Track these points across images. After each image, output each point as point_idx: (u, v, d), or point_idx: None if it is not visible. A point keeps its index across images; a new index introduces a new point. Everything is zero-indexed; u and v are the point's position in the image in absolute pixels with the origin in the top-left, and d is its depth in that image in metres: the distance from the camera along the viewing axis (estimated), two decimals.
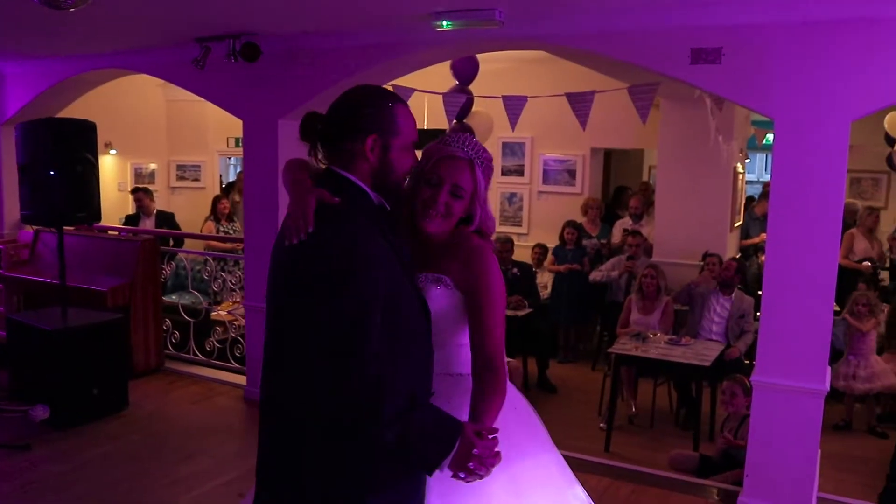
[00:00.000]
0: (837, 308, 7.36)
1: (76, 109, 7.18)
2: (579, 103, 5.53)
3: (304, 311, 1.88)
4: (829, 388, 4.24)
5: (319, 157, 2.06)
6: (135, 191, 9.02)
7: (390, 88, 5.79)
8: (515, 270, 7.62)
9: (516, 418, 2.31)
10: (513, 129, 5.98)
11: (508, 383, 2.29)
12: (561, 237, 8.37)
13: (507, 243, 7.73)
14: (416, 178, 2.15)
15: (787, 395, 4.22)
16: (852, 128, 4.00)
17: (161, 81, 9.19)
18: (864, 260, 8.01)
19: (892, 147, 8.69)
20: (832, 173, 4.03)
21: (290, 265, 1.92)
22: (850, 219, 8.24)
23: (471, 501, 2.05)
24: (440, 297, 2.13)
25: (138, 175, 10.65)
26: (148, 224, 8.68)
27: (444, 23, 4.53)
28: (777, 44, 4.07)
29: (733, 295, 6.65)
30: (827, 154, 4.02)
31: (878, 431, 6.46)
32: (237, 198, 9.33)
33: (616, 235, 8.58)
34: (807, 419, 4.21)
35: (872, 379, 6.49)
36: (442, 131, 6.04)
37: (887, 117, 8.24)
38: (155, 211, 8.93)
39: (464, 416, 2.03)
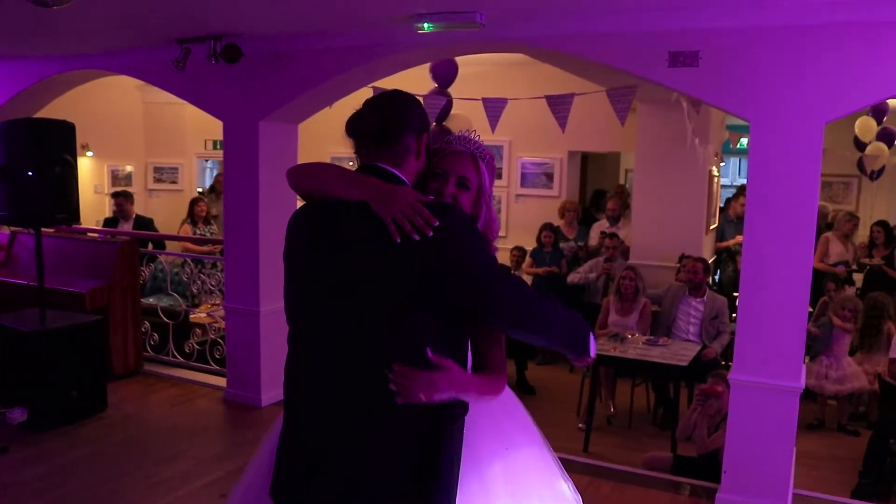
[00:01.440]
0: (811, 309, 7.50)
1: (52, 110, 7.12)
2: (559, 106, 5.59)
3: (468, 296, 1.95)
4: (804, 386, 4.32)
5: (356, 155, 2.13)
6: (115, 195, 8.94)
7: (370, 90, 5.84)
8: None
9: (505, 413, 2.35)
10: (493, 130, 6.02)
11: None
12: (538, 240, 8.44)
13: None
14: (422, 176, 2.20)
15: (763, 393, 4.29)
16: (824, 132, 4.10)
17: (139, 83, 9.17)
18: (839, 263, 8.15)
19: (863, 151, 8.86)
20: (807, 175, 4.11)
21: (418, 258, 1.90)
22: (821, 221, 8.38)
23: (472, 487, 2.09)
24: None
25: (115, 177, 10.58)
26: (127, 228, 8.61)
27: (426, 25, 4.56)
28: (754, 48, 4.14)
29: (705, 296, 6.74)
30: (801, 156, 4.10)
31: (848, 430, 6.57)
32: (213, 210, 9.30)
33: (593, 238, 8.67)
34: (783, 416, 4.28)
35: (843, 381, 6.61)
36: None
37: (857, 122, 8.41)
38: (134, 215, 8.86)
39: (481, 419, 2.15)
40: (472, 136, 2.26)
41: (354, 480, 1.96)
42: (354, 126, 2.08)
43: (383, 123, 2.05)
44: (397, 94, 2.14)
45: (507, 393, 2.33)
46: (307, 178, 2.12)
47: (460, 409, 2.02)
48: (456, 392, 1.94)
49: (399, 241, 1.88)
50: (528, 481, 2.25)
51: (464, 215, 2.04)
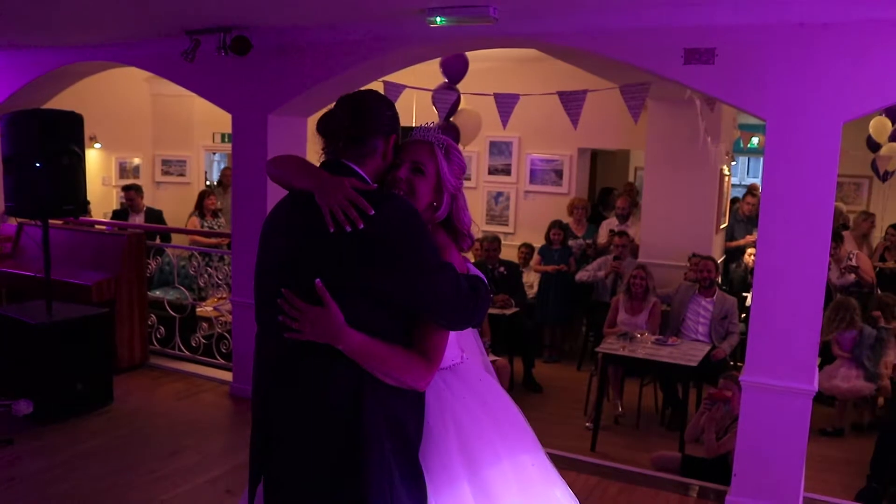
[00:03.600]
0: None
1: (60, 102, 7.09)
2: (571, 102, 5.54)
3: (400, 282, 2.02)
4: (817, 389, 4.27)
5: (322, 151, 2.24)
6: (126, 189, 8.91)
7: (381, 84, 5.80)
8: (502, 269, 7.62)
9: (506, 419, 2.32)
10: (504, 126, 5.98)
11: (492, 385, 2.40)
12: (547, 237, 8.39)
13: (494, 242, 7.74)
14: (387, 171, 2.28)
15: (775, 395, 4.25)
16: None
17: (147, 75, 9.13)
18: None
19: (875, 152, 8.77)
20: (823, 175, 4.06)
21: (357, 247, 1.99)
22: (836, 222, 8.32)
23: (474, 492, 2.09)
24: None
25: (123, 169, 10.55)
26: (138, 221, 8.59)
27: (439, 19, 4.51)
28: (771, 45, 4.09)
29: (715, 296, 6.68)
30: (818, 155, 4.04)
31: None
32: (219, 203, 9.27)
33: (602, 236, 8.61)
34: (795, 419, 4.23)
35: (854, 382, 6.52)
36: None
37: (872, 122, 8.32)
38: (145, 208, 8.85)
39: (463, 404, 2.23)
40: (430, 128, 2.32)
41: (296, 455, 2.08)
42: (326, 126, 2.19)
43: (353, 126, 2.15)
44: (369, 96, 2.22)
45: (504, 398, 2.35)
46: (277, 168, 2.28)
47: (381, 391, 2.03)
48: (333, 340, 1.98)
49: (332, 230, 1.98)
50: (528, 486, 2.24)
51: (404, 204, 2.10)
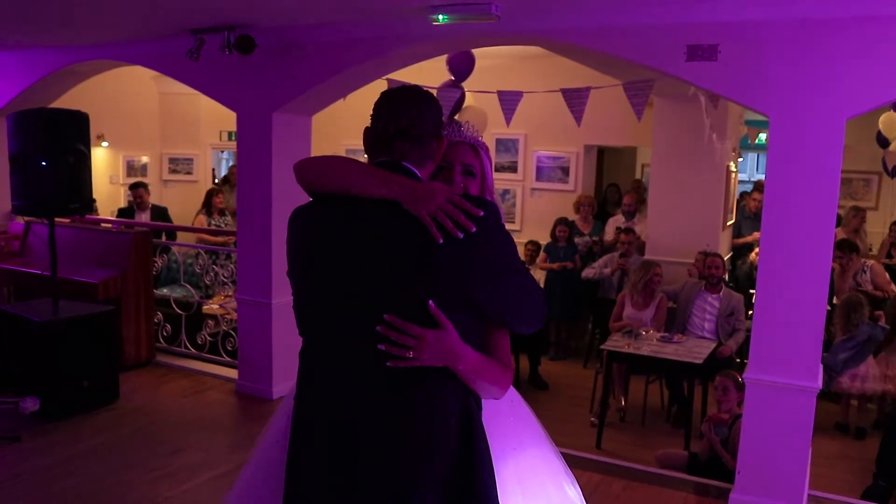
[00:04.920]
0: (829, 308, 7.40)
1: (68, 101, 7.13)
2: (575, 99, 5.53)
3: (497, 288, 1.93)
4: (821, 386, 4.25)
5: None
6: (135, 186, 8.95)
7: (385, 82, 5.80)
8: None
9: (513, 414, 2.31)
10: (508, 124, 5.98)
11: None
12: (553, 234, 8.38)
13: None
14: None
15: (779, 393, 4.23)
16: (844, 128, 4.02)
17: (154, 73, 9.16)
18: None
19: (885, 148, 8.71)
20: (827, 172, 4.04)
21: (460, 255, 1.85)
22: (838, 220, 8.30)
23: None
24: None
25: (130, 168, 10.59)
26: (144, 218, 8.63)
27: (441, 17, 4.51)
28: (774, 41, 4.07)
29: (721, 293, 6.66)
30: (821, 152, 4.02)
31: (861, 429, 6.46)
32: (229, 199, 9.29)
33: (609, 233, 8.59)
34: (799, 416, 4.21)
35: (864, 380, 6.45)
36: None
37: (882, 117, 8.26)
38: (150, 206, 8.89)
39: (489, 419, 2.07)
40: (467, 127, 2.24)
41: (395, 476, 1.87)
42: (395, 127, 1.98)
43: (421, 125, 1.98)
44: (422, 94, 2.05)
45: (514, 393, 2.30)
46: (321, 173, 2.01)
47: (477, 396, 1.96)
48: (453, 362, 1.86)
49: (441, 241, 1.81)
50: (538, 481, 2.22)
51: (495, 207, 1.96)
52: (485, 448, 1.92)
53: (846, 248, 7.33)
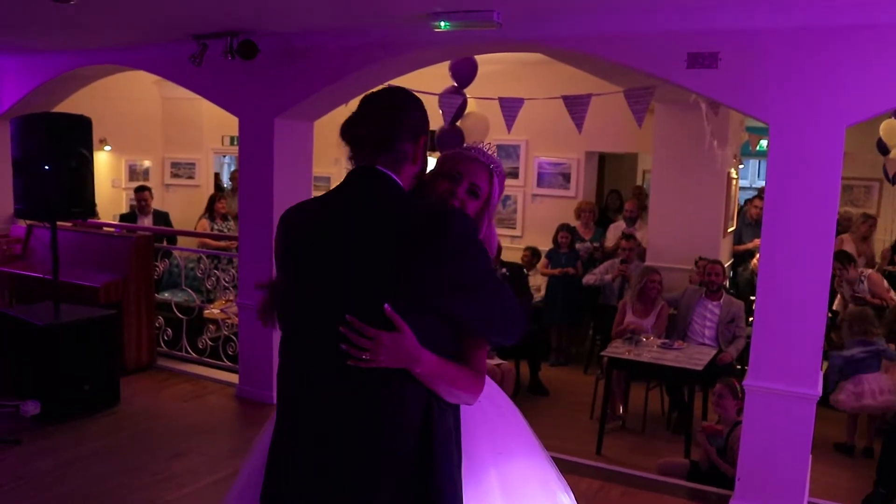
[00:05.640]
0: (829, 314, 7.38)
1: (71, 105, 7.16)
2: (575, 106, 5.54)
3: (470, 299, 1.99)
4: (820, 393, 4.25)
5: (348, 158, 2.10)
6: (139, 189, 8.96)
7: None
8: (504, 270, 7.62)
9: (502, 421, 2.32)
10: (509, 130, 5.99)
11: (496, 387, 2.37)
12: (555, 240, 8.40)
13: None
14: (433, 175, 2.21)
15: (779, 400, 4.24)
16: (845, 135, 4.03)
17: (157, 78, 9.16)
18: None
19: (886, 155, 8.71)
20: (826, 179, 4.05)
21: (427, 263, 1.93)
22: (846, 227, 8.32)
23: (468, 494, 2.06)
24: None
25: (133, 172, 10.61)
26: (146, 223, 8.65)
27: (443, 23, 4.53)
28: (774, 49, 4.08)
29: (722, 300, 6.66)
30: (821, 160, 4.04)
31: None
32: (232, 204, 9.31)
33: (610, 238, 8.61)
34: (799, 423, 4.22)
35: (860, 397, 6.32)
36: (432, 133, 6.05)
37: (882, 125, 8.26)
38: (152, 210, 8.91)
39: (476, 426, 2.15)
40: (491, 150, 2.28)
41: (352, 476, 1.94)
42: (351, 132, 2.04)
43: (381, 131, 2.01)
44: (396, 97, 2.09)
45: (504, 400, 2.32)
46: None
47: (441, 400, 1.98)
48: (411, 365, 1.89)
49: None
50: (525, 491, 2.22)
51: (470, 219, 2.02)
52: (444, 452, 1.96)
53: (843, 260, 7.31)
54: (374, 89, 2.15)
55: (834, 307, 7.45)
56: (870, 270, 7.60)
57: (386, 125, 2.01)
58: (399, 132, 2.02)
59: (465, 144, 2.32)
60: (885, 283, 7.44)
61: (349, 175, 2.05)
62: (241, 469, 2.38)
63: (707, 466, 5.13)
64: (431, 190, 2.18)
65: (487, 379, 2.22)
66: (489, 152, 2.28)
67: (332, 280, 1.95)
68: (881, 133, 8.34)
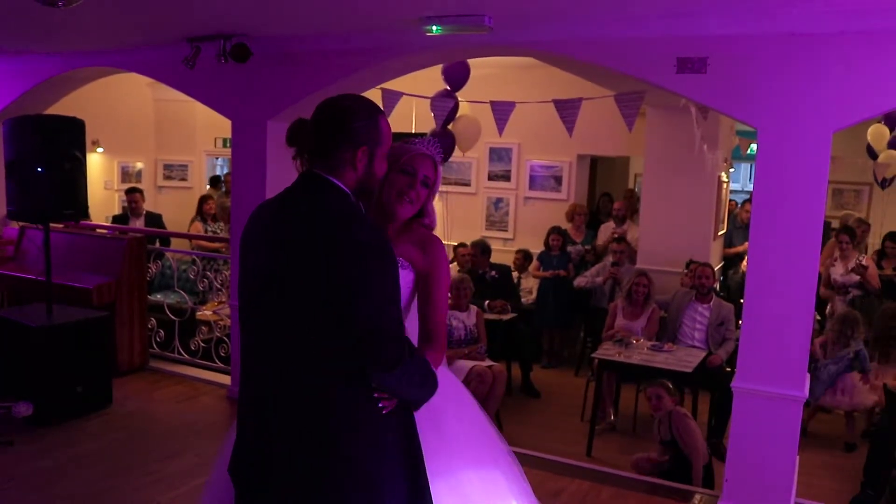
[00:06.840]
0: (819, 317, 7.45)
1: (64, 107, 7.16)
2: (566, 110, 5.58)
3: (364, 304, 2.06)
4: (807, 395, 4.30)
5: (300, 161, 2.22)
6: (131, 191, 8.96)
7: (379, 92, 5.84)
8: (493, 273, 7.69)
9: (461, 429, 2.44)
10: (500, 133, 6.02)
11: (456, 381, 2.58)
12: (546, 243, 8.43)
13: (476, 247, 7.79)
14: (389, 169, 2.35)
15: (766, 401, 4.28)
16: (835, 139, 4.08)
17: (149, 80, 9.18)
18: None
19: (875, 160, 8.79)
20: (814, 183, 4.10)
21: (336, 266, 2.06)
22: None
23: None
24: (403, 278, 2.32)
25: (125, 174, 10.62)
26: (138, 225, 8.65)
27: (435, 27, 4.56)
28: (762, 55, 4.13)
29: (712, 303, 6.70)
30: (809, 164, 4.08)
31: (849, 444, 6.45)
32: (226, 201, 9.31)
33: (601, 237, 8.66)
34: (786, 425, 4.26)
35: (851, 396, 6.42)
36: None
37: (870, 129, 8.34)
38: (144, 212, 8.91)
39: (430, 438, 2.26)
40: (434, 143, 2.51)
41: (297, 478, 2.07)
42: (292, 137, 2.18)
43: (318, 139, 2.13)
44: (342, 104, 2.17)
45: (473, 411, 2.43)
46: None
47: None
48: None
49: None
50: (481, 498, 2.33)
51: (377, 237, 2.08)
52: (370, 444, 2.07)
53: (850, 234, 7.65)
54: (328, 98, 2.24)
55: (826, 312, 7.53)
56: (866, 255, 7.84)
57: (321, 134, 2.13)
58: (334, 141, 2.12)
59: (410, 140, 2.52)
60: (877, 271, 7.64)
61: (297, 178, 2.20)
62: (213, 468, 2.55)
63: (672, 465, 5.22)
64: (391, 184, 2.36)
65: (441, 389, 2.27)
66: (436, 145, 2.50)
67: (266, 274, 2.11)
68: (869, 138, 8.43)
